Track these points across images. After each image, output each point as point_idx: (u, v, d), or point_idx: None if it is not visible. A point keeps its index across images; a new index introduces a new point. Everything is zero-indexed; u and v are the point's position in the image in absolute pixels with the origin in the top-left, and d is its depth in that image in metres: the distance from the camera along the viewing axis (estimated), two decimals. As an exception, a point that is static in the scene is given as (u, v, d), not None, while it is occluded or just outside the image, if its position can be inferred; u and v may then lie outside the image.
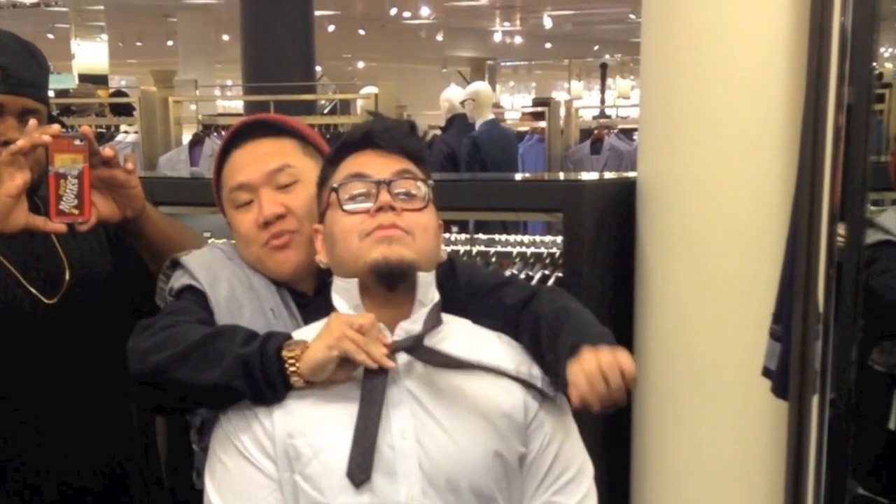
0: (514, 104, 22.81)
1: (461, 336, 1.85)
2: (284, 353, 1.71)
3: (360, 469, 1.67)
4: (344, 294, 1.81)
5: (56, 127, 1.94)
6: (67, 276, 2.19)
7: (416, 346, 1.75)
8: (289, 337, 1.75)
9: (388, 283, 1.76)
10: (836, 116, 1.44)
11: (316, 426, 1.72)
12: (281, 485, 1.72)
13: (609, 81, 24.05)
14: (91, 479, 2.22)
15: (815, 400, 1.53)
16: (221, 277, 1.93)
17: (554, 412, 1.84)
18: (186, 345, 1.74)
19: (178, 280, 1.95)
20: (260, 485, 1.72)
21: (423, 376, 1.77)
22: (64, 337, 2.17)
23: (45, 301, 2.15)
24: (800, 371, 1.51)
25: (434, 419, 1.74)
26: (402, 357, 1.76)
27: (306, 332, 1.79)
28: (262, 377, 1.71)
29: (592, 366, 1.67)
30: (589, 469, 1.86)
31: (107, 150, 2.01)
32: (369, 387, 1.72)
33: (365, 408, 1.71)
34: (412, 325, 1.79)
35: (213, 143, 6.80)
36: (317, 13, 13.13)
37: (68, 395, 2.18)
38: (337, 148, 1.89)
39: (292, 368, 1.71)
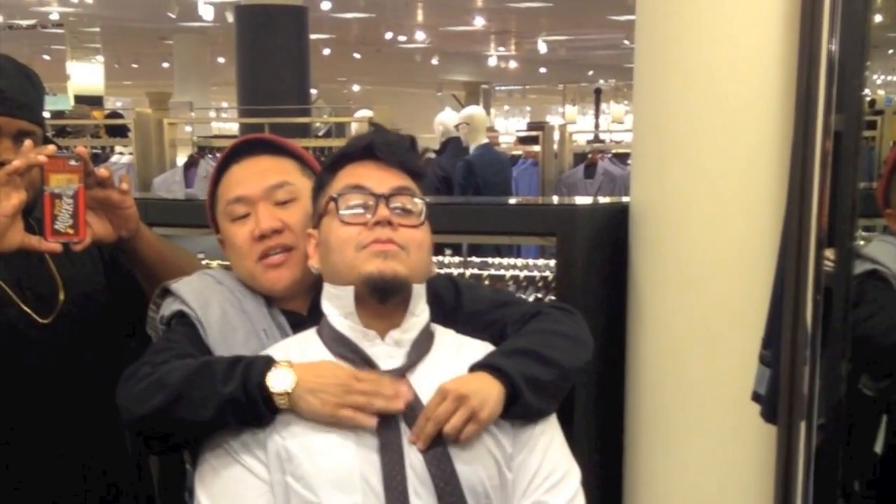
0: (508, 128, 22.84)
1: (448, 347, 1.87)
2: (271, 390, 1.71)
3: None
4: (336, 301, 1.82)
5: (52, 147, 1.95)
6: (62, 296, 2.19)
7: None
8: (268, 363, 1.74)
9: (381, 297, 1.78)
10: (824, 143, 1.45)
11: (308, 428, 1.72)
12: (272, 486, 1.72)
13: (603, 106, 24.11)
14: (84, 500, 2.22)
15: (804, 425, 1.54)
16: (213, 301, 1.93)
17: (539, 420, 1.85)
18: (171, 389, 1.73)
19: (169, 307, 1.95)
20: (251, 487, 1.73)
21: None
22: (58, 357, 2.16)
23: (40, 321, 2.15)
24: (788, 396, 1.52)
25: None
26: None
27: (293, 343, 1.83)
28: (250, 414, 1.71)
29: (450, 387, 1.73)
30: (576, 473, 1.87)
31: (102, 171, 2.02)
32: (385, 425, 1.73)
33: (388, 450, 1.72)
34: (402, 334, 1.82)
35: (207, 165, 6.82)
36: (312, 37, 13.18)
37: (61, 415, 2.17)
38: (337, 156, 1.91)
39: (281, 403, 1.71)
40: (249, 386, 1.71)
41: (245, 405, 1.70)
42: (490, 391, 1.75)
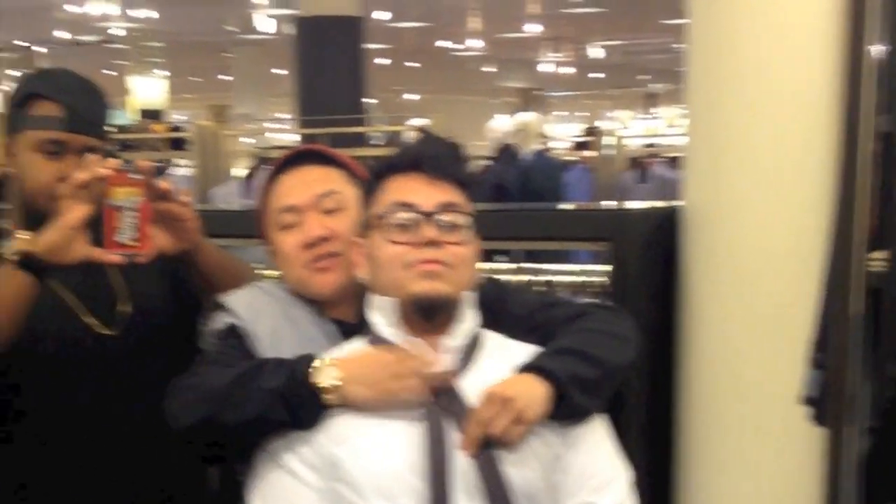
0: (562, 134, 22.75)
1: (496, 352, 1.88)
2: (317, 384, 1.74)
3: None
4: (382, 312, 1.84)
5: (115, 161, 1.98)
6: (126, 309, 2.22)
7: (445, 390, 1.79)
8: (311, 359, 1.77)
9: (427, 315, 1.81)
10: (871, 144, 1.46)
11: (356, 432, 1.74)
12: (323, 494, 1.74)
13: (657, 110, 23.94)
14: None
15: (851, 428, 1.54)
16: (263, 314, 1.96)
17: (588, 420, 1.86)
18: (219, 393, 1.77)
19: (221, 321, 1.98)
20: (302, 495, 1.75)
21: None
22: (122, 368, 2.20)
23: (103, 332, 2.18)
24: (836, 399, 1.52)
25: None
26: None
27: (343, 352, 1.84)
28: (298, 407, 1.74)
29: (495, 390, 1.75)
30: (626, 475, 1.87)
31: (163, 184, 2.04)
32: (432, 427, 1.75)
33: (434, 451, 1.74)
34: (451, 341, 1.83)
35: (265, 176, 6.83)
36: (368, 47, 13.24)
37: (125, 427, 2.20)
38: (386, 166, 1.92)
39: (329, 395, 1.74)
40: (295, 379, 1.74)
41: (291, 398, 1.73)
42: (536, 392, 1.76)
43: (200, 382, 1.83)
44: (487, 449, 1.75)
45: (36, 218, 2.04)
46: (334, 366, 1.76)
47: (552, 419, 1.80)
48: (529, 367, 1.81)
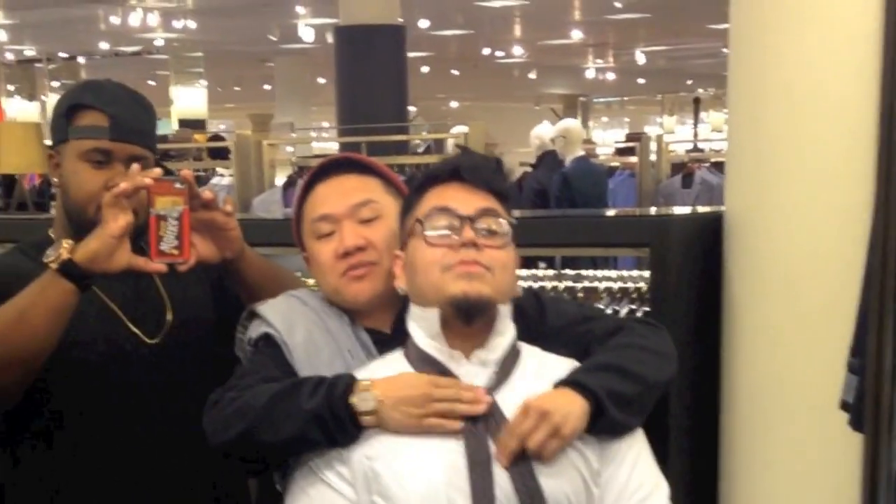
0: (606, 140, 22.71)
1: (534, 365, 1.87)
2: (355, 406, 1.74)
3: None
4: (422, 323, 1.84)
5: (158, 170, 2.00)
6: (170, 317, 2.23)
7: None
8: (351, 381, 1.77)
9: (466, 318, 1.79)
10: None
11: (394, 446, 1.74)
12: None
13: (702, 115, 23.83)
14: None
15: (889, 434, 1.53)
16: (298, 323, 1.96)
17: (626, 435, 1.84)
18: (257, 411, 1.77)
19: (256, 329, 1.98)
20: None
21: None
22: (164, 377, 2.21)
23: (147, 341, 2.20)
24: (873, 404, 1.50)
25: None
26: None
27: (381, 365, 1.85)
28: (335, 429, 1.74)
29: (533, 403, 1.74)
30: (665, 488, 1.86)
31: (206, 193, 2.06)
32: (473, 444, 1.75)
33: (476, 469, 1.73)
34: (488, 354, 1.82)
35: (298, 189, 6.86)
36: (410, 55, 13.28)
37: (166, 436, 2.21)
38: (425, 178, 1.92)
39: (366, 419, 1.74)
40: (333, 401, 1.73)
41: (329, 420, 1.73)
42: (573, 407, 1.75)
43: (238, 397, 1.83)
44: (524, 462, 1.74)
45: (82, 226, 2.06)
46: (373, 388, 1.76)
47: (590, 434, 1.79)
48: (567, 382, 1.80)
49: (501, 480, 1.73)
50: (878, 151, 1.56)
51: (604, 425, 1.79)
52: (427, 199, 1.88)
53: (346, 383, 1.76)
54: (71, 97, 2.21)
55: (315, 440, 1.76)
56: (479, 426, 1.76)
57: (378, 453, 1.74)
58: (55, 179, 2.23)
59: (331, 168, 2.08)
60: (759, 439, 3.03)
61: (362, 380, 1.77)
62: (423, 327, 1.84)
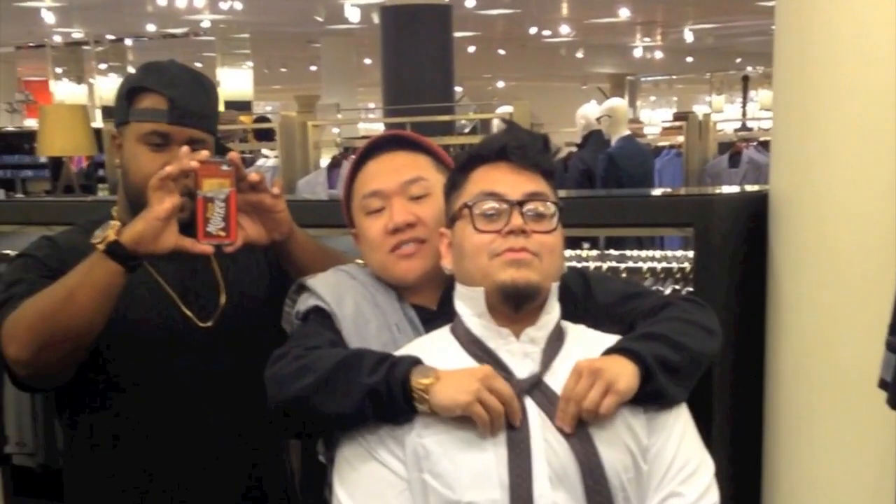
0: (653, 119, 22.57)
1: (580, 343, 1.88)
2: (413, 385, 1.74)
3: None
4: (469, 302, 1.85)
5: (205, 153, 2.02)
6: (223, 300, 2.26)
7: (535, 387, 1.80)
8: (415, 362, 1.78)
9: (515, 305, 1.80)
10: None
11: (444, 424, 1.74)
12: (411, 484, 1.75)
13: (752, 94, 23.61)
14: (231, 499, 2.29)
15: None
16: (347, 296, 1.97)
17: (672, 409, 1.85)
18: (318, 375, 1.79)
19: (305, 302, 2.00)
20: (390, 484, 1.76)
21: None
22: (216, 360, 2.24)
23: (200, 324, 2.22)
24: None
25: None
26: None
27: (427, 341, 1.87)
28: (389, 406, 1.75)
29: (583, 364, 1.77)
30: (710, 464, 1.86)
31: (253, 175, 2.08)
32: (515, 437, 1.75)
33: (514, 443, 1.74)
34: (537, 332, 1.83)
35: (349, 165, 6.87)
36: (457, 35, 13.26)
37: (215, 417, 2.25)
38: (470, 156, 1.92)
39: (420, 393, 1.74)
40: (392, 379, 1.74)
41: (385, 397, 1.73)
42: (624, 368, 1.77)
43: (304, 356, 1.84)
44: (583, 434, 1.75)
45: (142, 208, 2.06)
46: (433, 370, 1.76)
47: (639, 403, 1.80)
48: (615, 350, 1.82)
49: (553, 459, 1.73)
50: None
51: (652, 391, 1.80)
52: (474, 180, 1.89)
53: (409, 364, 1.77)
54: (133, 79, 2.23)
55: (367, 416, 1.76)
56: (520, 402, 1.77)
57: (428, 430, 1.75)
58: (117, 161, 2.25)
59: (382, 145, 2.10)
60: (802, 418, 3.03)
61: (426, 366, 1.77)
62: (470, 306, 1.85)
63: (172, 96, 2.14)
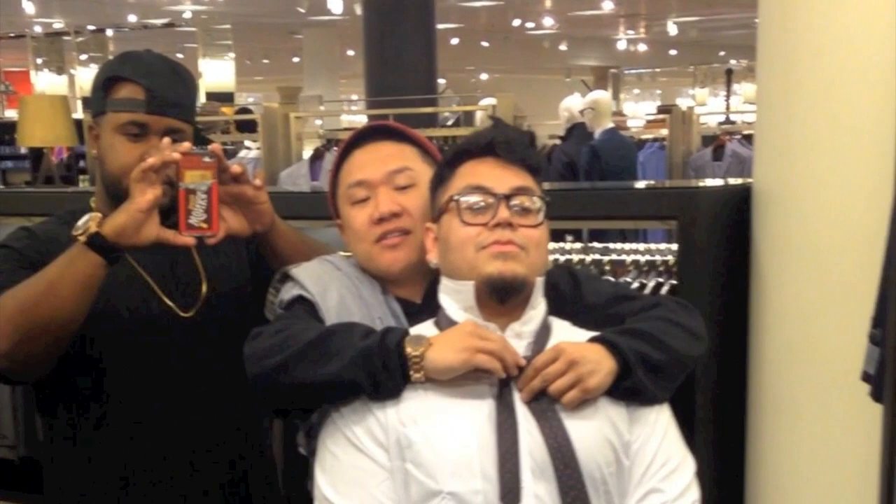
0: (637, 112, 22.58)
1: (565, 339, 1.87)
2: (407, 350, 1.75)
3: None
4: (456, 296, 1.85)
5: (186, 144, 2.00)
6: (204, 290, 2.26)
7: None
8: (407, 331, 1.80)
9: (501, 297, 1.81)
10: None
11: (428, 414, 1.75)
12: (392, 473, 1.75)
13: (735, 87, 23.66)
14: (213, 491, 2.28)
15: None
16: (331, 287, 1.97)
17: (654, 407, 1.86)
18: (304, 342, 1.79)
19: (289, 292, 1.99)
20: (371, 473, 1.76)
21: None
22: (199, 350, 2.23)
23: (182, 314, 2.22)
24: (893, 375, 1.50)
25: (549, 410, 1.78)
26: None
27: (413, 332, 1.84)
28: (382, 370, 1.74)
29: (564, 347, 1.78)
30: (691, 463, 1.87)
31: (235, 167, 2.07)
32: (502, 409, 1.77)
33: (503, 432, 1.75)
34: (523, 326, 1.84)
35: (332, 157, 6.88)
36: (439, 26, 13.23)
37: (197, 409, 2.24)
38: (457, 151, 1.93)
39: (415, 365, 1.75)
40: (387, 343, 1.75)
41: (378, 360, 1.74)
42: (602, 363, 1.78)
43: (283, 330, 1.85)
44: (555, 419, 1.76)
45: (119, 199, 2.06)
46: (426, 338, 1.77)
47: (619, 398, 1.81)
48: (598, 339, 1.82)
49: (535, 449, 1.74)
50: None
51: (631, 387, 1.80)
52: (461, 174, 1.89)
53: (403, 331, 1.79)
54: (109, 69, 2.22)
55: (357, 383, 1.76)
56: (507, 392, 1.78)
57: (412, 419, 1.75)
58: (94, 151, 2.24)
59: (368, 135, 2.09)
60: (785, 410, 3.02)
61: (416, 334, 1.79)
62: (456, 300, 1.85)
63: (150, 86, 2.13)
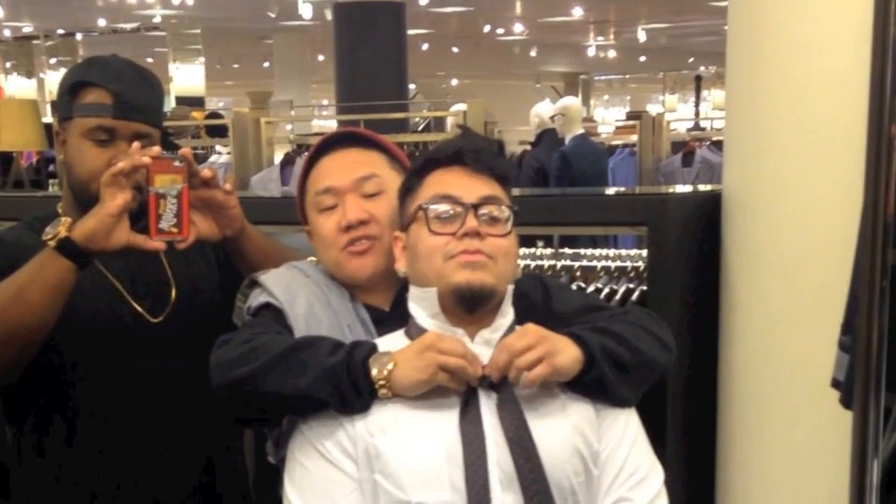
0: (607, 118, 22.67)
1: None
2: (372, 371, 1.74)
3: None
4: (423, 303, 1.85)
5: (156, 149, 2.01)
6: (174, 295, 2.25)
7: (489, 388, 1.80)
8: (374, 347, 1.79)
9: (469, 307, 1.81)
10: (890, 126, 1.45)
11: (396, 425, 1.75)
12: (361, 484, 1.75)
13: (704, 93, 23.80)
14: (184, 498, 2.28)
15: (879, 412, 1.54)
16: (299, 294, 1.96)
17: (623, 415, 1.87)
18: (271, 356, 1.78)
19: (257, 298, 1.98)
20: (340, 484, 1.76)
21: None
22: (167, 355, 2.22)
23: (151, 319, 2.21)
24: (861, 382, 1.51)
25: (516, 419, 1.78)
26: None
27: (382, 344, 1.83)
28: (349, 388, 1.74)
29: (532, 327, 1.80)
30: (660, 472, 1.88)
31: (206, 171, 2.07)
32: (467, 422, 1.77)
33: (470, 443, 1.75)
34: (492, 333, 1.84)
35: (303, 162, 6.85)
36: (410, 32, 13.27)
37: (167, 415, 2.23)
38: (425, 160, 1.93)
39: (381, 382, 1.74)
40: (353, 362, 1.74)
41: (345, 380, 1.73)
42: (568, 348, 1.79)
43: (251, 340, 1.84)
44: (527, 432, 1.76)
45: (87, 204, 2.06)
46: (390, 355, 1.77)
47: (584, 393, 1.83)
48: (564, 334, 1.83)
49: (502, 460, 1.74)
50: (868, 131, 1.56)
51: (595, 379, 1.81)
52: (429, 183, 1.89)
53: (369, 348, 1.78)
54: (75, 74, 2.21)
55: (323, 399, 1.75)
56: (474, 402, 1.78)
57: (380, 430, 1.75)
58: (61, 157, 2.23)
59: (336, 142, 2.09)
60: (755, 416, 3.04)
61: (384, 350, 1.78)
62: (424, 307, 1.85)
63: (117, 90, 2.13)
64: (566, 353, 1.78)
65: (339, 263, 2.00)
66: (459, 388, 1.76)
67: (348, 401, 1.75)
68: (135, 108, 2.14)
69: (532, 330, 1.79)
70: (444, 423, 1.76)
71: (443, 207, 1.84)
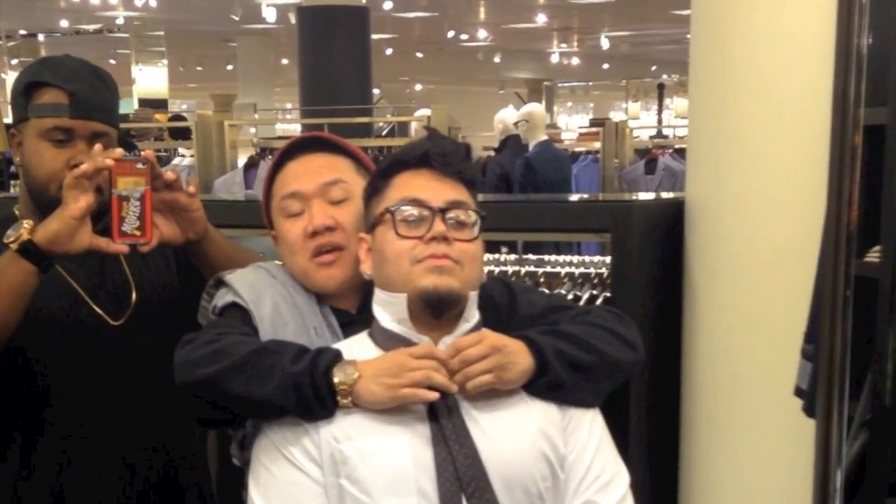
0: (570, 125, 22.74)
1: None
2: (335, 378, 1.73)
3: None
4: (389, 308, 1.83)
5: (119, 151, 1.99)
6: (134, 298, 2.24)
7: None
8: (338, 355, 1.77)
9: (436, 311, 1.80)
10: (853, 137, 1.46)
11: (362, 430, 1.74)
12: (326, 489, 1.74)
13: (667, 101, 23.94)
14: (146, 500, 2.26)
15: (842, 420, 1.56)
16: (265, 295, 1.95)
17: (588, 418, 1.87)
18: (235, 359, 1.76)
19: (223, 298, 1.97)
20: (306, 489, 1.74)
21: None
22: (127, 358, 2.21)
23: (111, 322, 2.20)
24: (825, 392, 1.52)
25: (482, 423, 1.78)
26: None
27: (345, 347, 1.83)
28: (311, 397, 1.73)
29: (490, 335, 1.79)
30: (625, 475, 1.88)
31: (169, 174, 2.05)
32: (434, 425, 1.76)
33: (437, 447, 1.74)
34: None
35: (266, 166, 6.84)
36: (374, 37, 13.24)
37: (128, 417, 2.22)
38: (392, 162, 1.91)
39: (343, 390, 1.73)
40: (317, 371, 1.73)
41: (309, 388, 1.72)
42: (521, 359, 1.79)
43: (215, 340, 1.82)
44: (495, 436, 1.76)
45: (46, 205, 2.05)
46: (354, 365, 1.76)
47: (541, 395, 1.82)
48: (519, 336, 1.82)
49: (474, 463, 1.73)
50: (831, 140, 1.58)
51: (549, 382, 1.81)
52: (396, 185, 1.88)
53: (333, 356, 1.76)
54: (29, 74, 2.19)
55: (286, 407, 1.75)
56: (442, 406, 1.77)
57: (346, 435, 1.74)
58: (17, 158, 2.21)
59: (302, 146, 2.08)
60: (717, 423, 3.06)
61: (347, 359, 1.77)
62: (390, 312, 1.84)
63: (73, 90, 2.11)
64: (518, 365, 1.78)
65: (306, 273, 1.98)
66: (426, 401, 1.74)
67: (311, 409, 1.74)
68: (92, 107, 2.13)
69: (488, 337, 1.78)
70: (411, 428, 1.75)
71: (410, 211, 1.83)
